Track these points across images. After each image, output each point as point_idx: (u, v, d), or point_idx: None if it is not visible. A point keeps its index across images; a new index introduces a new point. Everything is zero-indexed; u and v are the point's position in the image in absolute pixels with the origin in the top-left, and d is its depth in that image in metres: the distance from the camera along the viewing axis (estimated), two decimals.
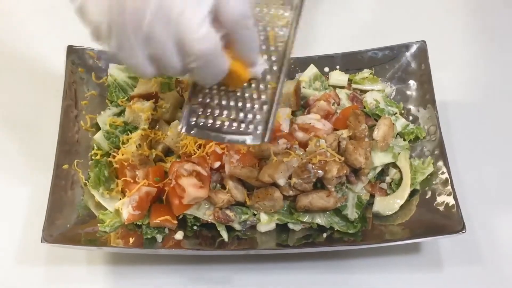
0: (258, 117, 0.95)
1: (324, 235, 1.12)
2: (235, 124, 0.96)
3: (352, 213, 1.14)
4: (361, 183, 1.16)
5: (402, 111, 1.26)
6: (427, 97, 1.24)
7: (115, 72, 1.27)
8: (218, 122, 0.96)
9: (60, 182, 1.14)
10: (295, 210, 1.14)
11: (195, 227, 1.14)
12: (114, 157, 1.17)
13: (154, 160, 1.18)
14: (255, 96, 0.96)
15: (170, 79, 1.27)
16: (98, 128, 1.23)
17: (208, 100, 0.98)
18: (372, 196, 1.17)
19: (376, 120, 1.23)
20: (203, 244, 1.12)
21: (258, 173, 1.11)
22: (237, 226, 1.14)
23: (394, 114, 1.25)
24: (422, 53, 1.28)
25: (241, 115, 0.96)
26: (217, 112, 0.97)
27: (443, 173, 1.15)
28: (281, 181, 1.11)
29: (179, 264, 1.15)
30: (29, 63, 1.40)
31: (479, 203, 1.20)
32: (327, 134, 1.17)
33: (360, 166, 1.14)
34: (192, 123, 0.97)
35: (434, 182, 1.16)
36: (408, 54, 1.29)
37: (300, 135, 1.16)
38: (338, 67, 1.32)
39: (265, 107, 0.95)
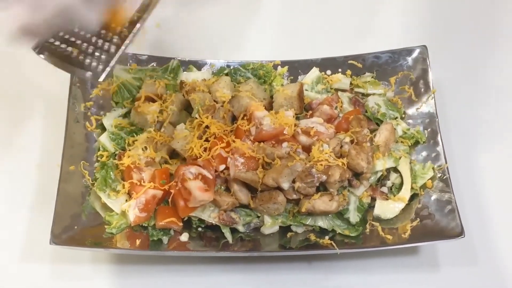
0: (103, 57, 0.99)
1: (326, 237, 1.14)
2: (81, 57, 0.99)
3: (354, 216, 1.16)
4: (362, 187, 1.18)
5: (403, 115, 1.28)
6: (427, 101, 1.26)
7: (120, 73, 1.27)
8: (70, 49, 0.99)
9: (66, 183, 1.15)
10: (297, 213, 1.16)
11: (199, 229, 1.16)
12: (120, 158, 1.18)
13: (160, 162, 1.19)
14: (108, 38, 1.00)
15: (175, 81, 1.28)
16: (103, 129, 1.23)
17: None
18: (373, 199, 1.20)
19: (378, 125, 1.25)
20: (208, 246, 1.14)
21: (262, 176, 1.13)
22: (241, 228, 1.16)
23: (395, 119, 1.26)
24: (423, 57, 1.29)
25: (90, 50, 0.99)
26: (72, 40, 0.99)
27: (442, 177, 1.18)
28: (285, 185, 1.13)
29: (182, 264, 1.17)
30: (32, 62, 1.39)
31: (476, 205, 1.23)
32: (329, 138, 1.19)
33: (362, 170, 1.16)
34: (46, 44, 0.99)
35: (433, 187, 1.18)
36: (409, 58, 1.31)
37: (303, 139, 1.18)
38: (340, 70, 1.33)
39: (113, 49, 0.99)
